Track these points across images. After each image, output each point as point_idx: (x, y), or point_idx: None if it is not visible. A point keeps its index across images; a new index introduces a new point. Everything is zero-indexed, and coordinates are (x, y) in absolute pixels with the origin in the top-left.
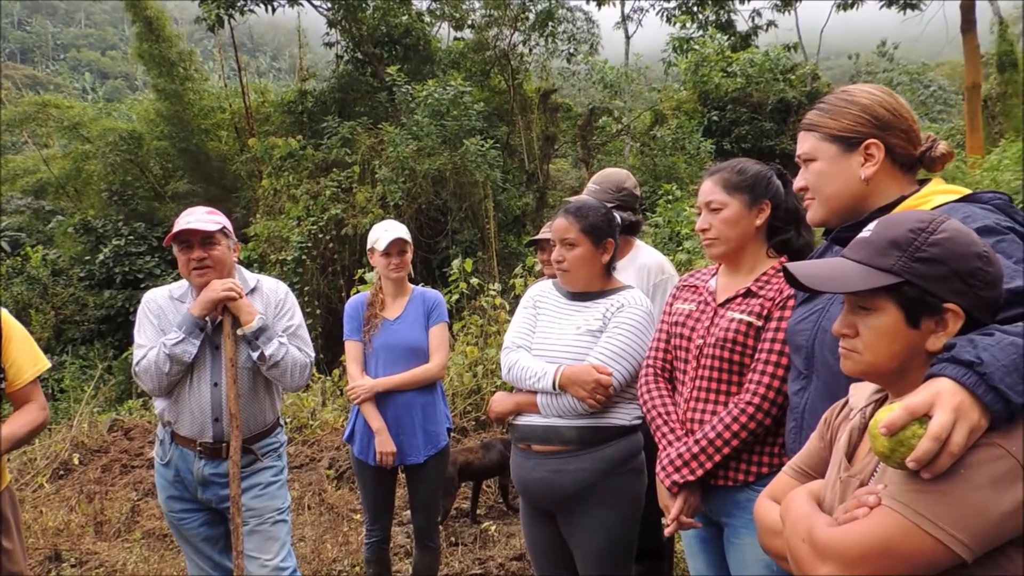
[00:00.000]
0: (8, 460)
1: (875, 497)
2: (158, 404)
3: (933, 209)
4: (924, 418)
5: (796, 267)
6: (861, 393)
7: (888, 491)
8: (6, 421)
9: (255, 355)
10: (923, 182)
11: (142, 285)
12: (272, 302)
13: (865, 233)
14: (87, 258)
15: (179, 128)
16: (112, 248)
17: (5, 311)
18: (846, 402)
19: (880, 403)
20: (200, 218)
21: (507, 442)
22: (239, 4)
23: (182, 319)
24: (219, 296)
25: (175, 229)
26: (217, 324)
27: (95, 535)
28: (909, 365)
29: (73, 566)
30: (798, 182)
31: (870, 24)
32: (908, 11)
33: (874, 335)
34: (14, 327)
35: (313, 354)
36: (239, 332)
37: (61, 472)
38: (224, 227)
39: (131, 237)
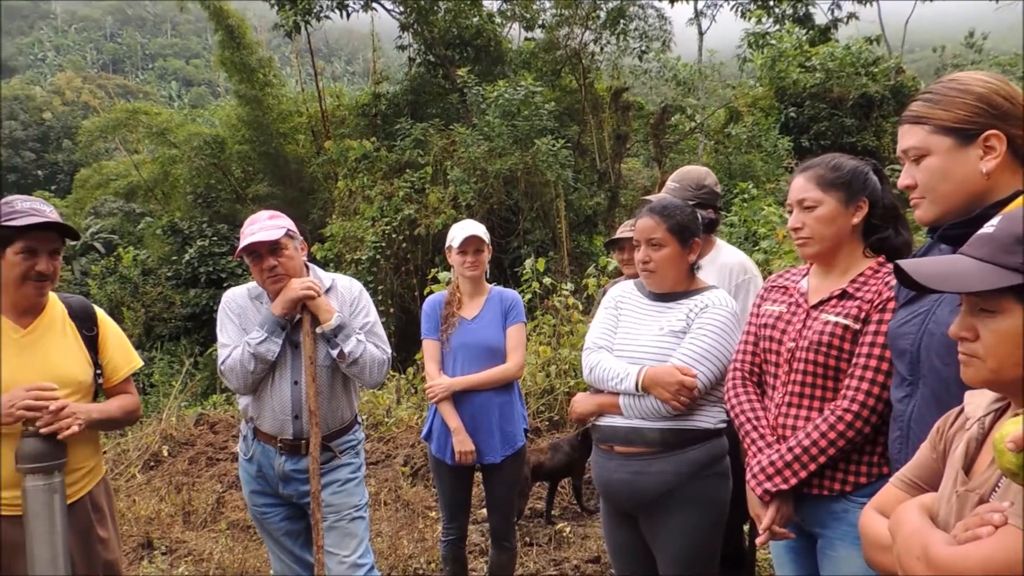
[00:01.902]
0: (104, 452)
1: (1000, 515)
2: (242, 401)
3: None
4: None
5: (910, 264)
6: (978, 401)
7: (1015, 509)
8: (103, 402)
9: (334, 353)
10: None
11: (224, 284)
12: (348, 300)
13: (987, 229)
14: (174, 258)
15: (259, 132)
16: (197, 249)
17: (101, 311)
18: (961, 410)
19: (1000, 413)
20: (264, 226)
21: (573, 443)
22: (315, 10)
23: (264, 318)
24: (298, 295)
25: (242, 243)
26: (296, 323)
27: (183, 524)
28: None
29: (164, 554)
30: (904, 179)
31: (960, 14)
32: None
33: (997, 339)
34: (110, 327)
35: (390, 350)
36: (318, 330)
37: (152, 463)
38: (288, 230)
39: (214, 238)
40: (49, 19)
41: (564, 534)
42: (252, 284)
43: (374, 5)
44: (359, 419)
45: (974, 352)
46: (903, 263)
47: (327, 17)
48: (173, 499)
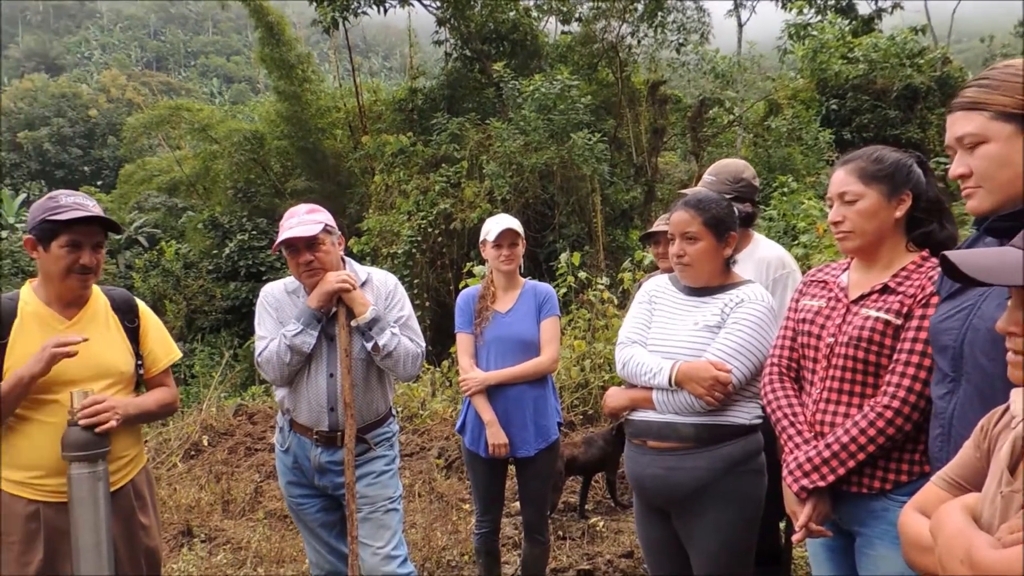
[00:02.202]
0: (146, 441)
1: None
2: (278, 393)
3: None
4: None
5: (958, 256)
6: None
7: None
8: (140, 396)
9: (368, 345)
10: None
11: (264, 277)
12: (383, 293)
13: None
14: (214, 252)
15: (297, 128)
16: (237, 242)
17: (142, 304)
18: (1007, 408)
19: None
20: (302, 221)
21: (608, 437)
22: (352, 6)
23: (300, 311)
24: (334, 288)
25: (280, 237)
26: (332, 316)
27: (222, 513)
28: None
29: (203, 541)
30: (957, 168)
31: (1009, 3)
32: None
33: None
34: (151, 319)
35: (424, 344)
36: (353, 323)
37: (192, 452)
38: (326, 225)
39: (254, 232)
40: (95, 18)
41: (597, 528)
42: (290, 279)
43: (411, 1)
44: (394, 412)
45: (1019, 348)
46: (950, 254)
47: (364, 13)
48: (213, 488)
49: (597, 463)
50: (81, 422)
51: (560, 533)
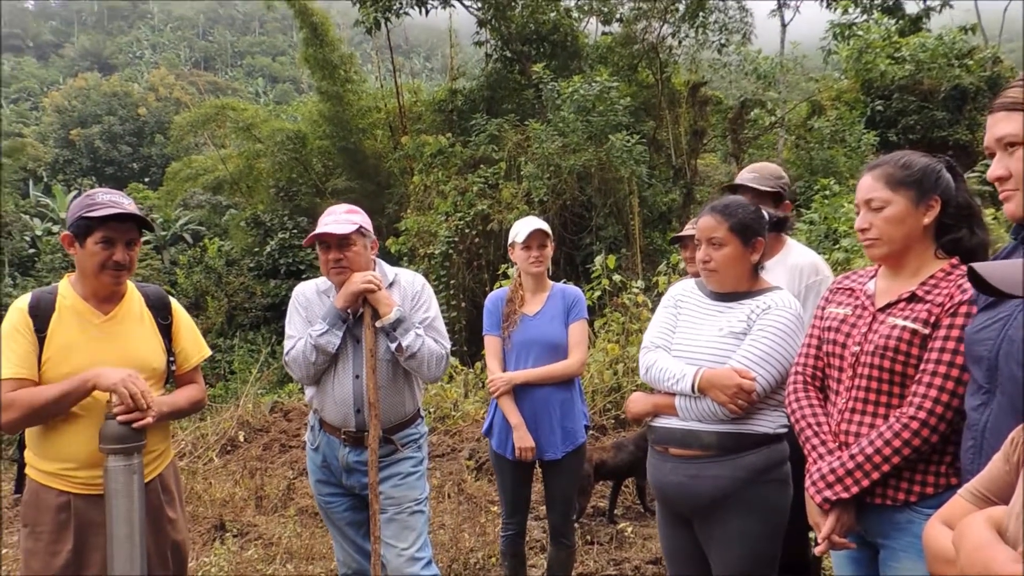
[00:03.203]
0: (176, 434)
1: None
2: (308, 392)
3: None
4: None
5: (985, 268)
6: None
7: None
8: (171, 394)
9: (393, 346)
10: None
11: (303, 276)
12: (409, 294)
13: None
14: (256, 249)
15: (339, 128)
16: (278, 241)
17: (175, 301)
18: None
19: None
20: (338, 219)
21: (639, 442)
22: (395, 7)
23: (326, 311)
24: (360, 288)
25: (316, 231)
26: (358, 317)
27: (255, 508)
28: None
29: (235, 536)
30: (996, 170)
31: None
32: None
33: None
34: (183, 317)
35: (449, 345)
36: (377, 324)
37: (228, 448)
38: (361, 227)
39: (295, 231)
40: (147, 19)
41: (626, 534)
42: (321, 279)
43: (452, 2)
44: (422, 413)
45: None
46: (976, 265)
47: (406, 14)
48: (247, 483)
49: (627, 468)
50: (119, 418)
51: (588, 538)
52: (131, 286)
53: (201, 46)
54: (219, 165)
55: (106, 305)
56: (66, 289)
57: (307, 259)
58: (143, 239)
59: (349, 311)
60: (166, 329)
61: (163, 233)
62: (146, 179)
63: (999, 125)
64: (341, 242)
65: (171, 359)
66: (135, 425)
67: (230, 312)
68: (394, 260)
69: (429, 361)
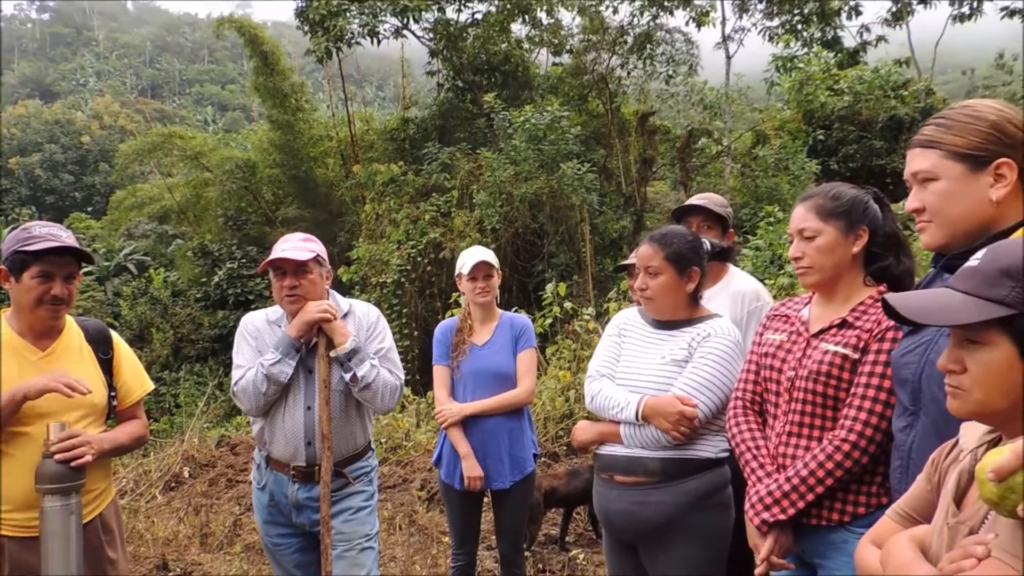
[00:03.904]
0: (118, 471)
1: (984, 548)
2: (255, 426)
3: None
4: None
5: (896, 299)
6: (973, 433)
7: (998, 541)
8: (112, 430)
9: (347, 376)
10: None
11: (252, 306)
12: (364, 325)
13: (972, 262)
14: (203, 280)
15: (290, 156)
16: (226, 271)
17: (116, 335)
18: (956, 442)
19: (993, 444)
20: (295, 246)
21: (593, 469)
22: (347, 37)
23: (279, 340)
24: (314, 317)
25: (271, 256)
26: (311, 347)
27: (200, 546)
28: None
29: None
30: (912, 203)
31: (991, 36)
32: None
33: (984, 371)
34: (124, 351)
35: (403, 377)
36: (332, 353)
37: (172, 484)
38: (318, 255)
39: (243, 260)
40: (92, 46)
41: (578, 561)
42: (271, 308)
43: (404, 32)
44: (373, 446)
45: (960, 384)
46: (889, 297)
47: (358, 43)
48: (191, 520)
49: (581, 495)
50: (57, 456)
51: (540, 566)
52: (70, 320)
53: (148, 74)
54: (166, 194)
55: (43, 341)
56: (2, 325)
57: (256, 289)
58: (84, 271)
59: (302, 340)
60: (107, 364)
61: (106, 263)
62: (89, 208)
63: (915, 161)
64: (297, 269)
65: (112, 394)
66: (74, 463)
67: (176, 344)
68: (346, 289)
69: (383, 392)
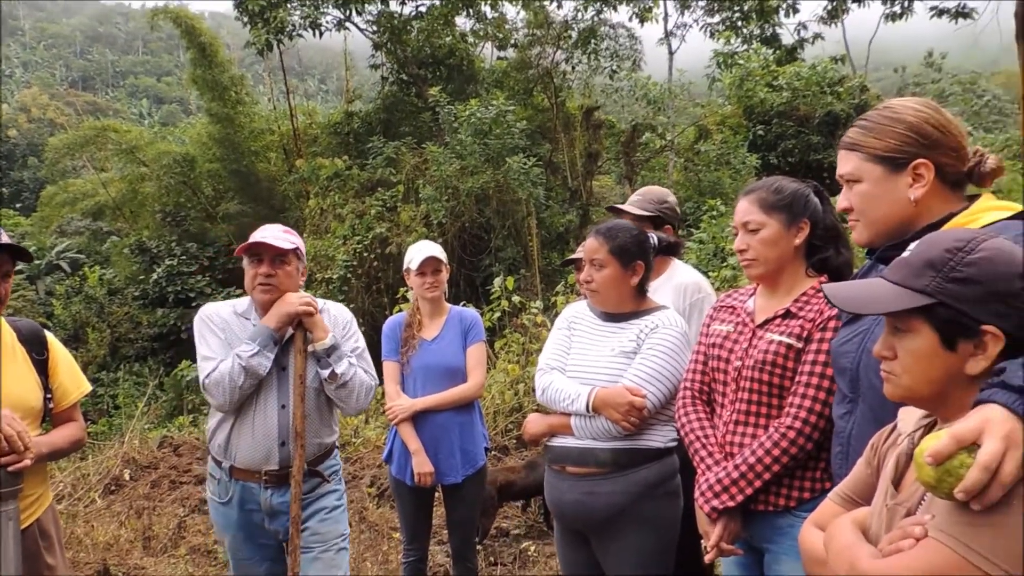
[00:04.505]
0: (54, 475)
1: (921, 528)
2: (215, 439)
3: (985, 227)
4: (973, 446)
5: (832, 288)
6: (910, 418)
7: (935, 522)
8: (48, 433)
9: (325, 373)
10: (973, 197)
11: (193, 304)
12: (340, 323)
13: (905, 254)
14: (141, 278)
15: (230, 150)
16: (165, 268)
17: (51, 335)
18: (895, 427)
19: (929, 428)
20: (276, 235)
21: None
22: (288, 29)
23: (256, 331)
24: (297, 310)
25: (250, 240)
26: (284, 343)
27: (143, 550)
28: (949, 389)
29: None
30: (842, 203)
31: (921, 35)
32: (960, 20)
33: (911, 358)
34: (60, 351)
35: (377, 378)
36: (311, 348)
37: (112, 487)
38: (297, 248)
39: (183, 257)
40: (17, 35)
41: (529, 553)
42: (237, 301)
43: (347, 25)
44: (337, 444)
45: (892, 370)
46: (826, 286)
47: (300, 35)
48: (133, 524)
49: (538, 487)
50: None
51: (491, 559)
52: (2, 321)
53: (79, 65)
54: (100, 189)
55: None
56: None
57: (196, 286)
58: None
59: (280, 333)
60: (42, 365)
61: (37, 262)
62: (17, 205)
63: (841, 163)
64: (276, 257)
65: (48, 396)
66: (11, 468)
67: (113, 344)
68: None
69: (359, 391)
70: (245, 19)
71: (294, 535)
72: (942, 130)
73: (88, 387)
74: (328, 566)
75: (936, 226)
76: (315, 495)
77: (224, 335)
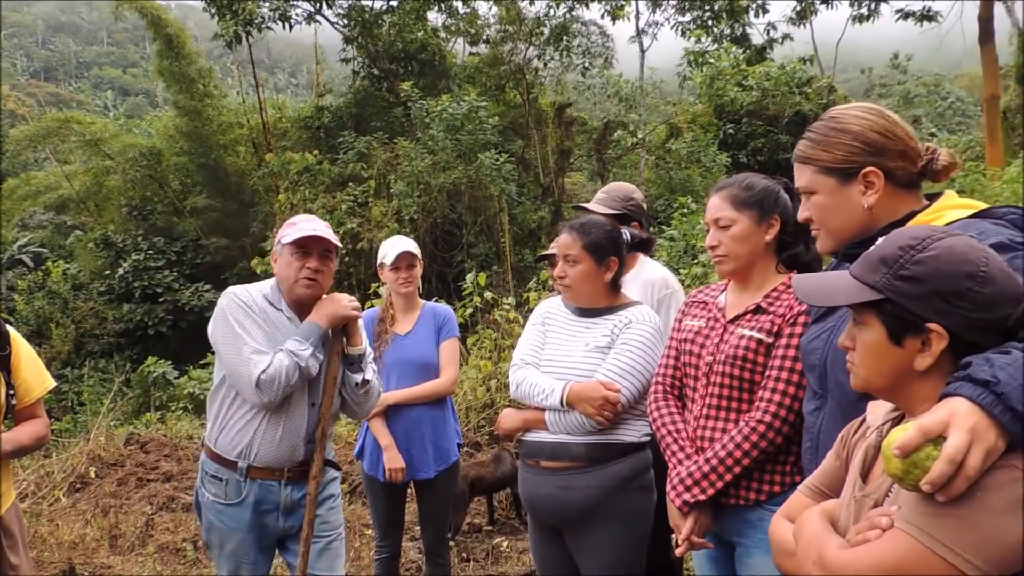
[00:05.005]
0: (17, 473)
1: (888, 519)
2: (235, 439)
3: (946, 225)
4: (939, 439)
5: (797, 281)
6: (878, 411)
7: (902, 513)
8: (11, 430)
9: (357, 378)
10: (935, 196)
11: (160, 299)
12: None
13: (871, 249)
14: (107, 272)
15: (198, 144)
16: (131, 263)
17: (13, 331)
18: (864, 420)
19: (897, 421)
20: (325, 229)
21: (518, 453)
22: (256, 21)
23: (309, 330)
24: (349, 313)
25: (303, 233)
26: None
27: (109, 549)
28: (901, 382)
29: None
30: (802, 213)
31: (887, 37)
32: (925, 23)
33: (864, 351)
34: (23, 347)
35: (384, 385)
36: (349, 351)
37: (78, 486)
38: (337, 247)
39: (150, 252)
40: None
41: (501, 548)
42: (262, 285)
43: (317, 18)
44: None
45: (852, 360)
46: (795, 277)
47: (269, 28)
48: (99, 523)
49: (507, 480)
50: None
51: (464, 555)
52: None
53: (41, 55)
54: (63, 182)
55: None
56: None
57: (164, 282)
58: None
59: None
60: (4, 361)
61: None
62: None
63: (796, 176)
64: (325, 252)
65: (11, 393)
66: None
67: (78, 340)
68: (260, 280)
69: (375, 397)
70: (213, 10)
71: (308, 536)
72: (887, 135)
73: (52, 383)
74: (334, 556)
75: (899, 224)
76: (323, 484)
77: (267, 327)
